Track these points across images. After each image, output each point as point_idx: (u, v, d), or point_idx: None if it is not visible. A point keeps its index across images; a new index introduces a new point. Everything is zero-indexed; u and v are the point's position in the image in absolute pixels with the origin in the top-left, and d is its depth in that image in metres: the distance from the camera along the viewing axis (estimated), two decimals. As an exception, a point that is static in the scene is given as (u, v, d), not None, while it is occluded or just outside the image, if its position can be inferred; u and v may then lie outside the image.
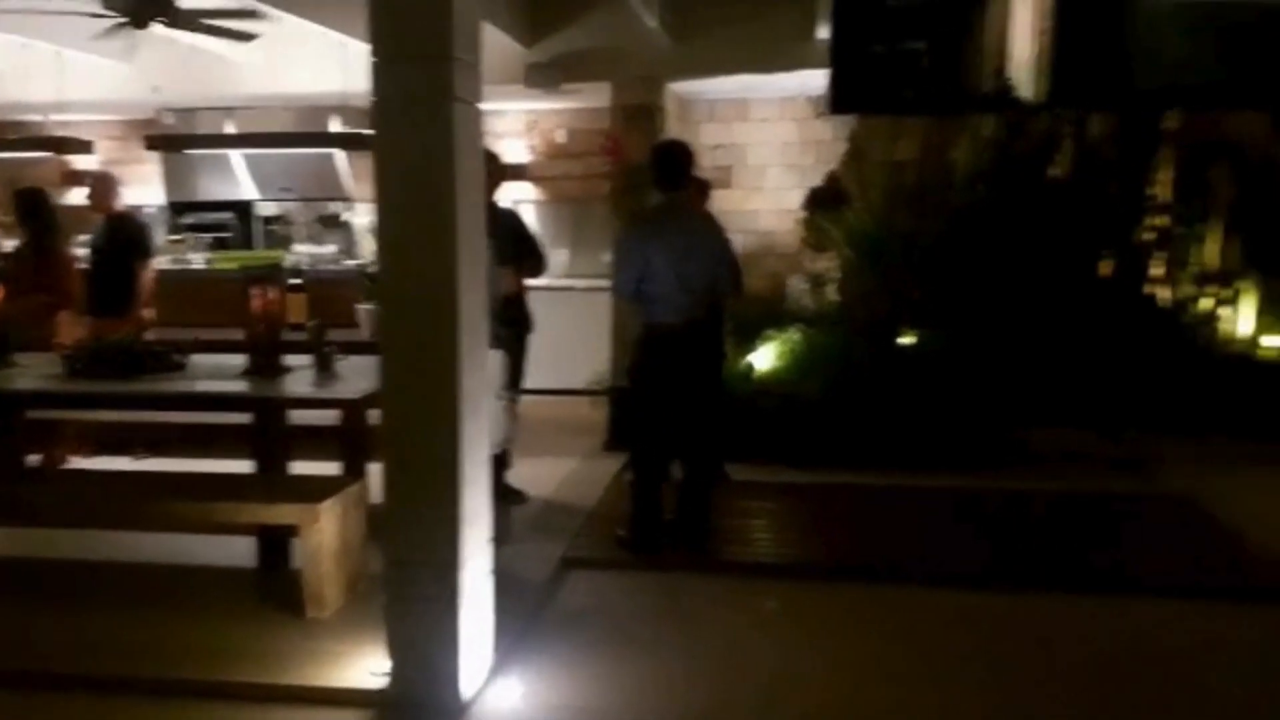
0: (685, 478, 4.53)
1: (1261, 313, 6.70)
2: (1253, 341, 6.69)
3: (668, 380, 4.34)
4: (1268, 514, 4.83)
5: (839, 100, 6.93)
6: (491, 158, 5.03)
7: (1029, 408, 6.28)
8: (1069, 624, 3.80)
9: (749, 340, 6.27)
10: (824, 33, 6.71)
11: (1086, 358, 6.47)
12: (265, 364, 4.27)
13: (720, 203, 6.86)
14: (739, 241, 5.69)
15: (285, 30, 6.81)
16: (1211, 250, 6.85)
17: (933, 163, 7.23)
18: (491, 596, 3.25)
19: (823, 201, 7.43)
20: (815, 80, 7.09)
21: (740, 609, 3.92)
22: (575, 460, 5.99)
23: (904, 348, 6.13)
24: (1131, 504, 5.19)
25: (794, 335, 6.25)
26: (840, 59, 6.71)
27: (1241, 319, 6.74)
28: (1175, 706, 3.19)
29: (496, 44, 6.68)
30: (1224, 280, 6.80)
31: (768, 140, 8.53)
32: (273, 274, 4.72)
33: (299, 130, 8.20)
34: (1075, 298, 6.66)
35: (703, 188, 5.41)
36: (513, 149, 8.63)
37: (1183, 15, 6.46)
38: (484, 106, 3.07)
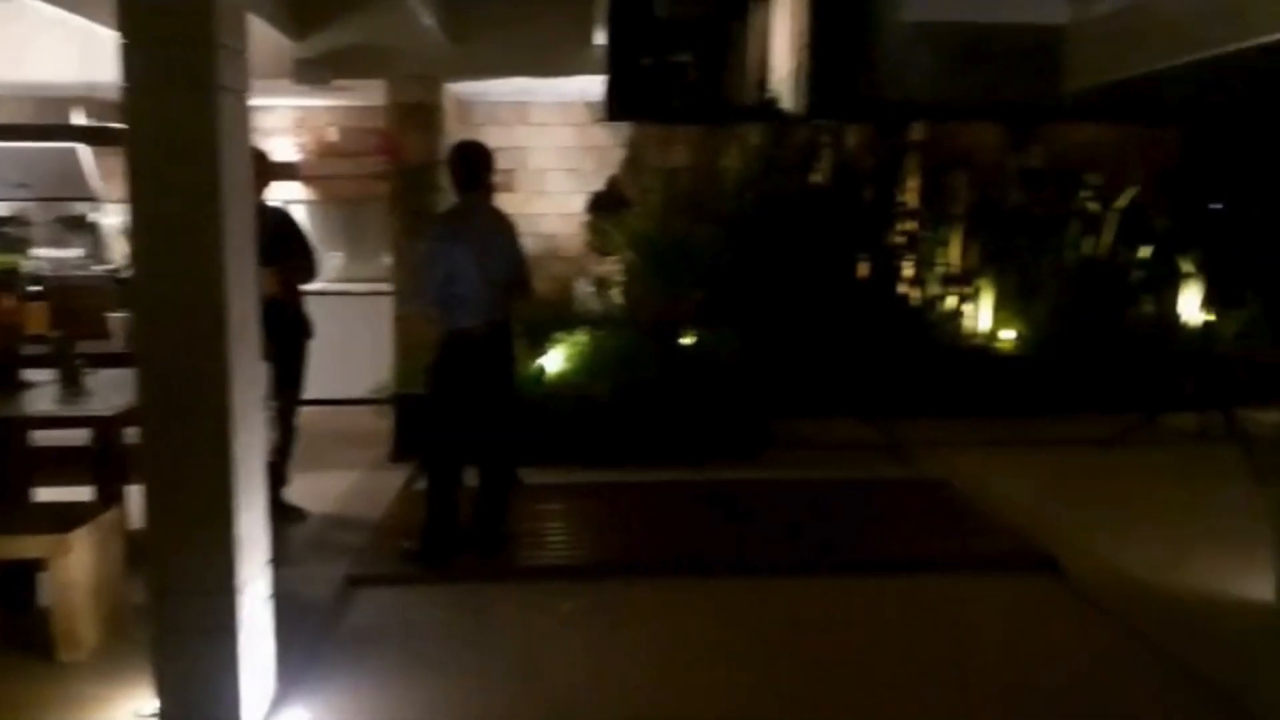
0: (481, 484, 4.47)
1: (998, 309, 7.40)
2: (991, 335, 7.38)
3: (470, 385, 4.28)
4: (1010, 492, 5.34)
5: (615, 107, 7.09)
6: (259, 156, 4.77)
7: (801, 400, 6.66)
8: (853, 604, 4.04)
9: (539, 343, 6.28)
10: (601, 39, 6.80)
11: (850, 353, 6.94)
12: (1, 379, 3.85)
13: (504, 206, 6.81)
14: (525, 245, 5.67)
15: (20, 13, 6.13)
16: (954, 252, 7.50)
17: (705, 170, 7.52)
18: (271, 623, 3.06)
19: (604, 205, 7.55)
20: (593, 86, 7.19)
21: (539, 614, 3.91)
22: (359, 473, 5.77)
23: (687, 347, 6.32)
24: (895, 487, 5.60)
25: (582, 337, 6.31)
26: (615, 67, 6.86)
27: (981, 315, 7.42)
28: (960, 675, 3.46)
29: (262, 37, 6.32)
30: (965, 279, 7.46)
31: (548, 144, 8.56)
32: (7, 281, 4.25)
33: (36, 122, 7.45)
34: (838, 297, 7.12)
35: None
36: (282, 147, 8.20)
37: (923, 35, 7.05)
38: (250, 102, 2.90)
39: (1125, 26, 6.54)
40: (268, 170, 4.81)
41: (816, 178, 7.57)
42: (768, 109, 7.47)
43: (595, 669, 3.46)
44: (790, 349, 6.70)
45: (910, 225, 7.53)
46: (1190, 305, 7.26)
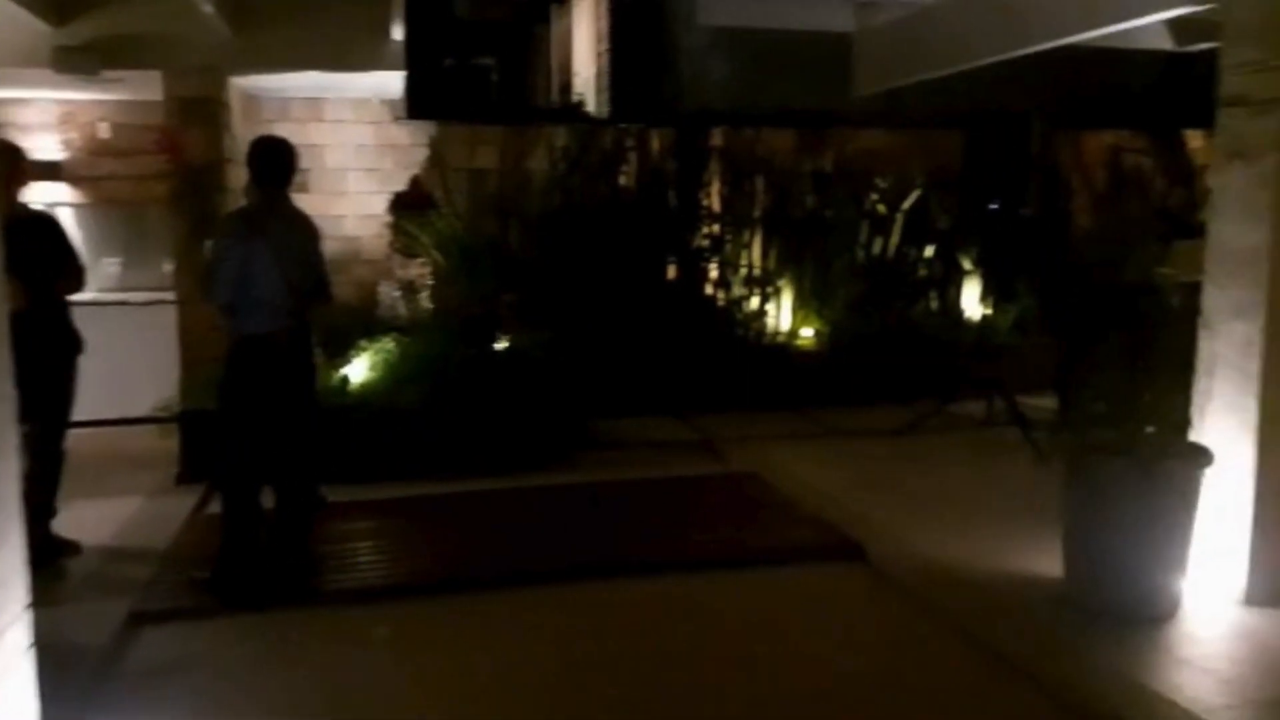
0: (279, 505, 4.18)
1: (798, 307, 7.69)
2: (793, 332, 7.66)
3: (265, 397, 4.00)
4: (816, 482, 5.53)
5: (415, 106, 6.87)
6: (11, 152, 4.34)
7: (617, 401, 6.67)
8: (669, 604, 4.05)
9: (341, 351, 5.98)
10: (399, 34, 6.56)
11: (662, 353, 7.03)
12: None
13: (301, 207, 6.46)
14: (326, 248, 5.38)
15: None
16: (755, 253, 7.73)
17: (512, 171, 7.42)
18: (33, 675, 2.73)
19: (407, 206, 7.31)
20: (391, 83, 6.93)
21: (347, 642, 3.70)
22: (141, 499, 5.28)
23: (499, 351, 6.19)
24: (708, 483, 5.69)
25: (388, 344, 6.06)
26: (414, 65, 6.65)
27: (782, 314, 7.69)
28: (779, 671, 3.52)
29: (13, 20, 5.71)
30: (767, 280, 7.70)
31: (345, 142, 8.20)
32: None
33: None
34: (648, 298, 7.19)
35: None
36: (43, 144, 7.45)
37: (720, 41, 7.23)
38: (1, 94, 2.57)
39: (907, 36, 6.95)
40: (23, 169, 4.36)
41: (623, 180, 7.62)
42: (572, 112, 7.47)
43: (410, 699, 3.30)
44: (604, 350, 6.70)
45: (714, 228, 7.70)
46: (971, 299, 7.79)
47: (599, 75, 7.44)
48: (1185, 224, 5.17)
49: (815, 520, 4.94)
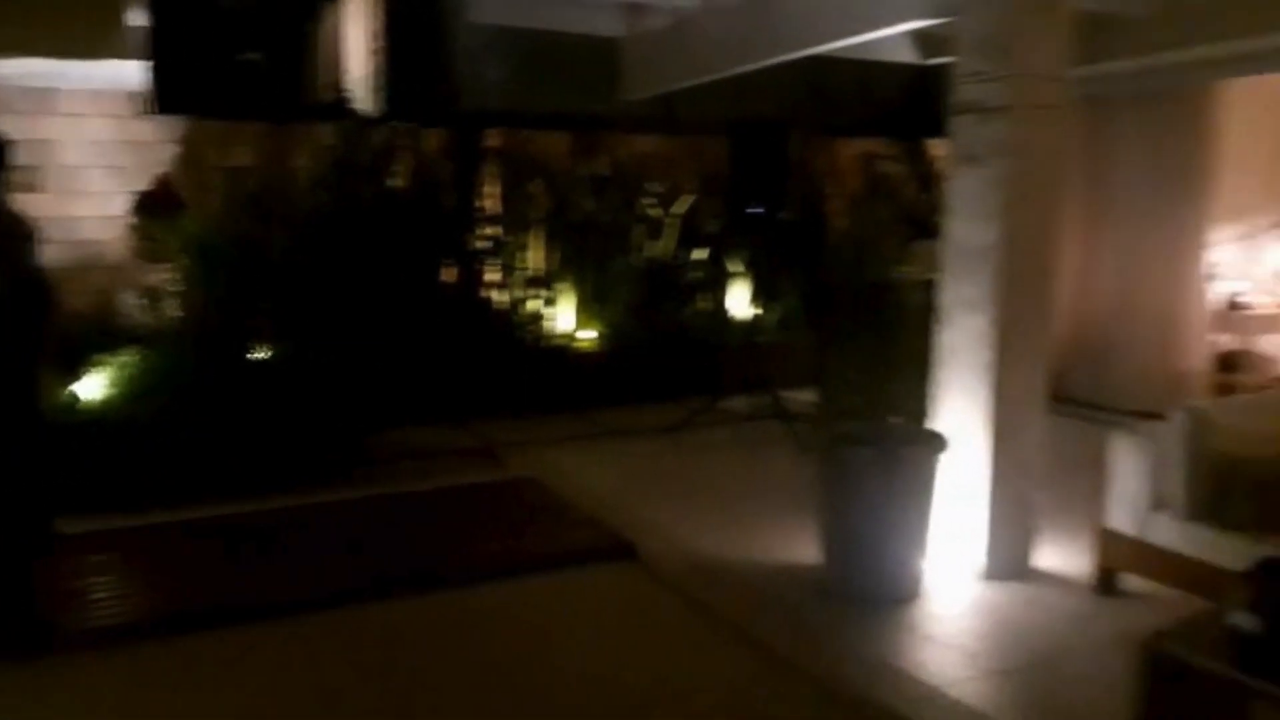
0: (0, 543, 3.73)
1: (578, 310, 7.71)
2: (572, 335, 7.67)
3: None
4: (593, 484, 5.55)
5: (161, 100, 6.34)
6: None
7: (390, 411, 6.43)
8: (445, 619, 3.92)
9: (75, 366, 5.42)
10: (137, 19, 6.03)
11: (440, 359, 6.84)
12: None
13: (29, 208, 5.83)
14: (55, 253, 4.88)
15: None
16: (535, 256, 7.69)
17: (273, 170, 7.01)
18: None
19: (153, 208, 6.75)
20: (131, 74, 6.37)
21: (81, 695, 3.32)
22: None
23: (257, 362, 5.82)
24: (487, 491, 5.58)
25: (130, 357, 5.55)
26: (161, 56, 6.12)
27: (562, 317, 7.69)
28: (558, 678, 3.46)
29: None
30: (547, 283, 7.68)
31: (82, 138, 7.46)
32: None
33: None
34: (425, 303, 6.99)
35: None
36: None
37: (495, 40, 7.13)
38: None
39: (672, 42, 7.11)
40: None
41: (397, 181, 7.38)
42: (341, 109, 7.13)
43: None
44: (379, 358, 6.44)
45: (494, 230, 7.59)
46: (739, 300, 8.07)
47: (372, 72, 7.15)
48: (927, 226, 5.57)
49: (590, 522, 4.95)
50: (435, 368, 6.84)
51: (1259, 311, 7.51)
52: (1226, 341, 7.44)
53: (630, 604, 4.10)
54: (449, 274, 7.41)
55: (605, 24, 7.45)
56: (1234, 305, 7.45)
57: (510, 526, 4.99)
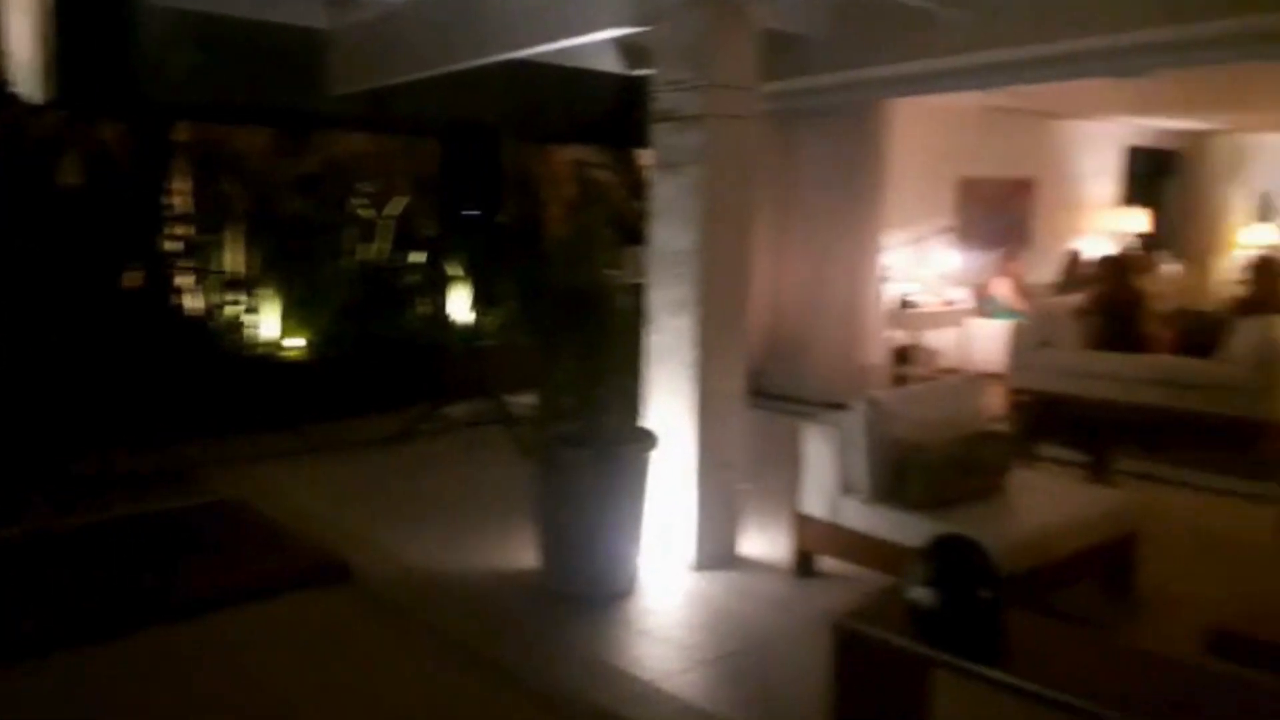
0: None
1: (285, 316, 7.25)
2: (278, 344, 7.21)
3: None
4: (307, 503, 5.25)
5: None
6: None
7: (73, 436, 5.73)
8: (148, 664, 3.54)
9: None
10: None
11: (121, 374, 6.18)
12: None
13: None
14: None
15: None
16: (233, 258, 7.16)
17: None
18: None
19: None
20: None
21: None
22: None
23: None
24: (188, 517, 5.09)
25: None
26: None
27: (265, 323, 7.20)
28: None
29: None
30: (247, 287, 7.16)
31: None
32: None
33: None
34: (102, 311, 6.29)
35: None
36: None
37: (185, 26, 6.57)
38: None
39: (378, 37, 6.87)
40: None
41: (69, 177, 6.59)
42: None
43: None
44: (48, 376, 5.72)
45: (185, 230, 6.97)
46: (459, 304, 7.94)
47: (40, 55, 6.37)
48: (635, 232, 5.71)
49: (301, 545, 4.66)
50: (120, 384, 6.17)
51: (926, 310, 8.44)
52: (900, 337, 8.29)
53: (343, 629, 3.89)
54: (135, 278, 6.71)
55: (306, 14, 7.07)
56: (905, 304, 8.32)
57: (214, 555, 4.58)
